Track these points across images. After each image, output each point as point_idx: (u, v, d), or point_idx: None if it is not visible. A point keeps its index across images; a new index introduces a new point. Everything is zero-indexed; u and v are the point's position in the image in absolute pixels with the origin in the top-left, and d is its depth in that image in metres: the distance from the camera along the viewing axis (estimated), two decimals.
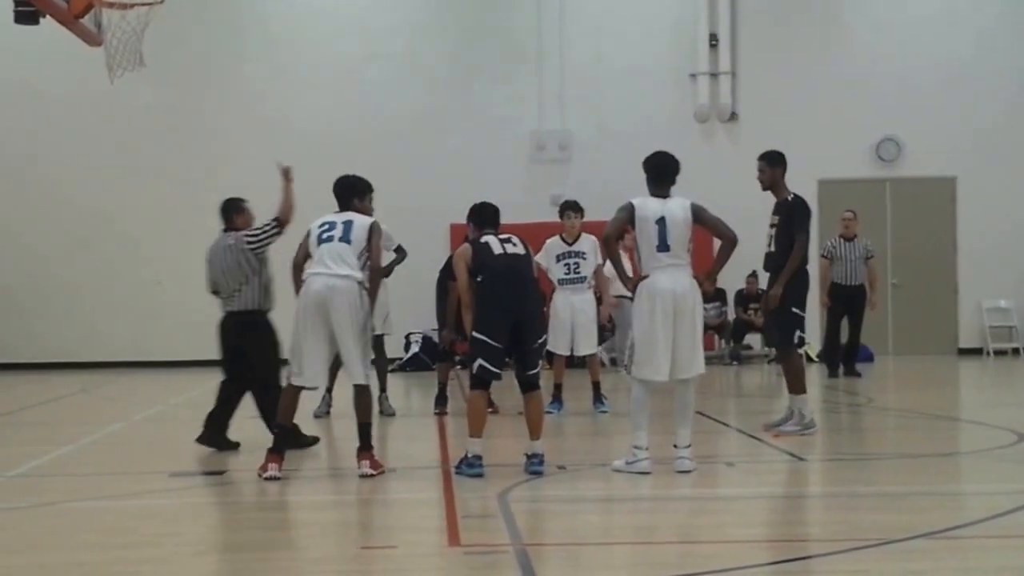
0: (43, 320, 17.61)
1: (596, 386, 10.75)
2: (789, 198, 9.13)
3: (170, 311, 17.54)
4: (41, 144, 17.70)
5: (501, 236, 7.59)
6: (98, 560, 5.39)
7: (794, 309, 9.05)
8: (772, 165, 9.18)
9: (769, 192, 9.27)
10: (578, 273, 10.54)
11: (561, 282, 10.61)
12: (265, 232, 8.48)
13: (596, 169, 17.28)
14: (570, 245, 10.55)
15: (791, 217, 9.03)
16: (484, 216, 7.83)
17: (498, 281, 7.35)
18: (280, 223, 8.48)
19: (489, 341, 7.26)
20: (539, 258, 10.13)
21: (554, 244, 10.62)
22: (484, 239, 7.57)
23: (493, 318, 7.29)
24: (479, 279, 7.42)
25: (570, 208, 10.57)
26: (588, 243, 10.45)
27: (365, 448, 7.43)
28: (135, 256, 17.65)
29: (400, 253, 10.56)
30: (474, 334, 7.34)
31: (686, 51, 18.02)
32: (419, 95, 17.82)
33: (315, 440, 8.63)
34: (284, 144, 17.59)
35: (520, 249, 7.53)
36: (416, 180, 17.31)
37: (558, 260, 10.58)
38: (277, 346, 8.52)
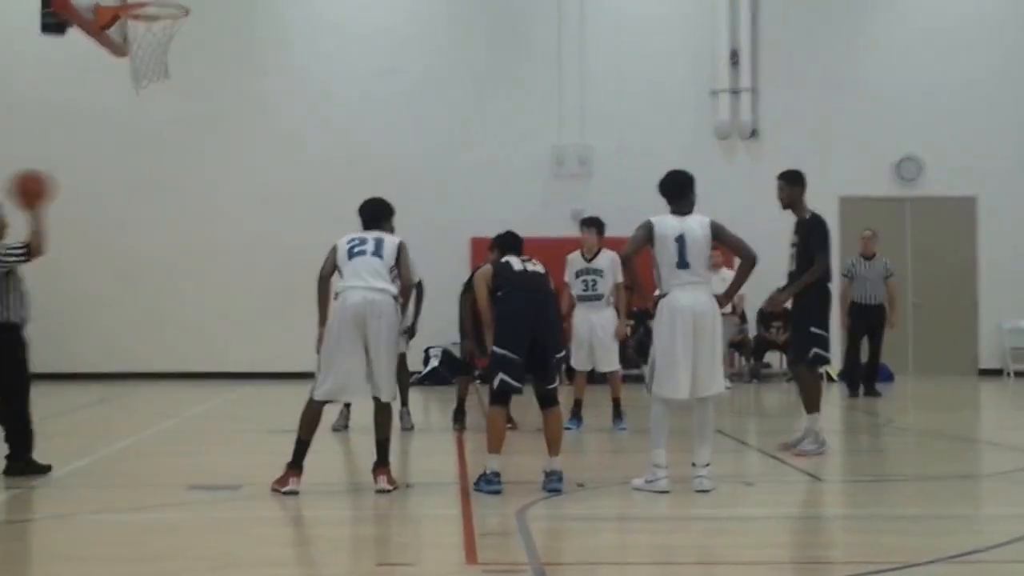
0: (62, 330, 17.66)
1: (616, 403, 10.73)
2: (808, 217, 9.09)
3: (188, 322, 17.59)
4: (61, 155, 17.78)
5: (523, 257, 7.72)
6: (111, 574, 5.38)
7: (812, 328, 9.00)
8: (791, 184, 9.15)
9: (790, 211, 9.24)
10: (595, 290, 10.55)
11: (579, 299, 10.62)
12: (10, 254, 7.94)
13: (616, 184, 17.25)
14: (588, 262, 10.55)
15: (810, 236, 9.00)
16: (508, 244, 8.00)
17: (517, 295, 7.39)
18: (30, 252, 7.92)
19: (509, 355, 7.26)
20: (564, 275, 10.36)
21: (574, 259, 10.65)
22: (505, 259, 7.69)
23: (512, 332, 7.30)
24: (499, 294, 7.45)
25: (586, 224, 10.59)
26: (606, 260, 10.44)
27: (382, 463, 7.42)
28: (153, 267, 17.70)
29: (418, 290, 10.44)
30: (494, 348, 7.34)
31: (707, 68, 18.00)
32: (439, 109, 17.84)
33: (48, 468, 8.10)
34: (302, 158, 17.77)
35: (540, 268, 7.63)
36: (436, 194, 17.34)
37: (577, 276, 10.63)
38: (26, 363, 8.12)
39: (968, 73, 17.87)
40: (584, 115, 17.93)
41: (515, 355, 7.26)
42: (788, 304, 9.37)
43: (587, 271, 10.53)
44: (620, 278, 10.25)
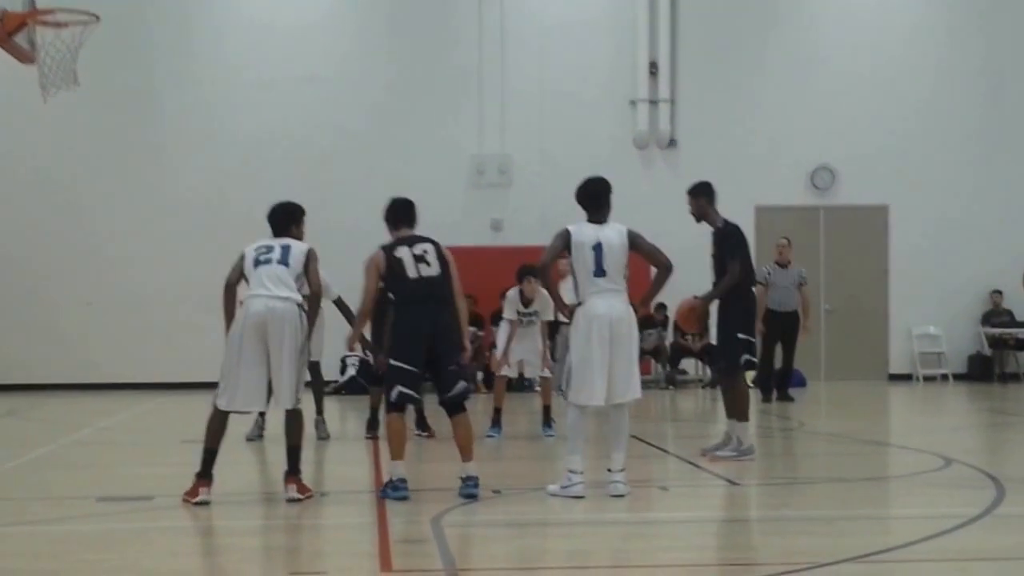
0: None
1: (547, 410, 10.84)
2: (720, 226, 9.21)
3: (98, 333, 17.26)
4: None
5: (416, 250, 7.41)
6: None
7: (739, 334, 9.11)
8: (695, 196, 9.25)
9: (705, 223, 9.34)
10: (532, 323, 10.82)
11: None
12: None
13: (536, 194, 17.36)
14: (527, 307, 10.75)
15: (723, 245, 9.13)
16: (397, 214, 7.69)
17: (411, 307, 7.32)
18: None
19: (405, 367, 7.25)
20: (504, 311, 10.65)
21: (514, 300, 10.79)
22: (398, 253, 7.41)
23: (407, 343, 7.28)
24: (391, 296, 7.36)
25: (530, 272, 10.65)
26: (542, 302, 10.63)
27: (293, 472, 7.35)
28: (60, 278, 17.34)
29: (342, 307, 10.38)
30: (390, 361, 7.31)
31: (626, 78, 18.19)
32: (357, 118, 17.78)
33: None
34: (224, 162, 17.57)
35: (435, 268, 7.38)
36: (354, 203, 17.18)
37: (516, 312, 10.83)
38: None
39: (881, 84, 18.30)
40: (504, 125, 17.99)
41: (412, 367, 7.24)
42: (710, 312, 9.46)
43: (525, 313, 10.78)
44: (548, 316, 10.65)
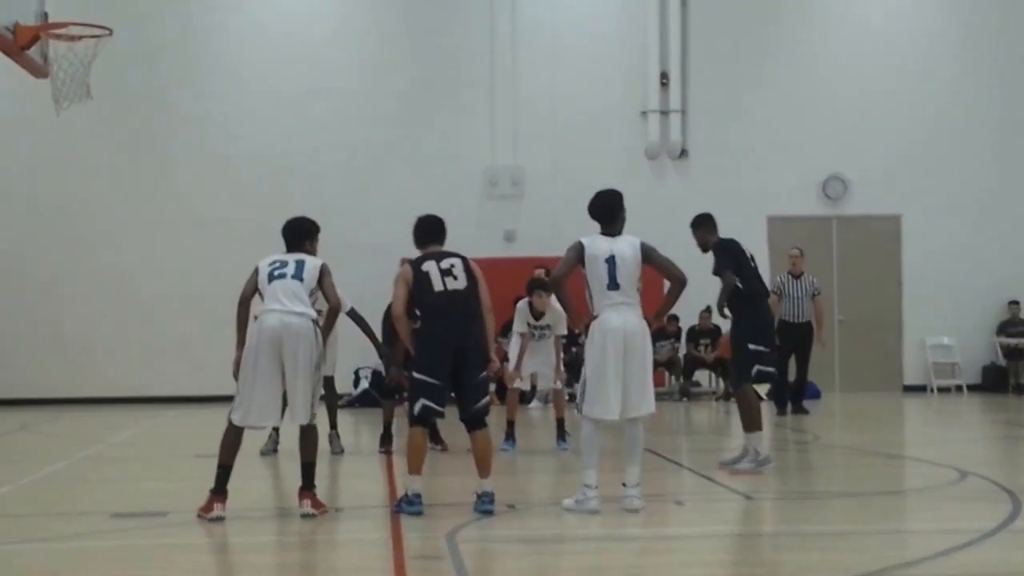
0: None
1: (560, 423, 10.83)
2: (714, 243, 9.31)
3: (112, 347, 17.30)
4: None
5: (443, 264, 7.39)
6: None
7: (751, 345, 9.12)
8: (696, 228, 9.45)
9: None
10: (544, 337, 10.89)
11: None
12: None
13: (548, 205, 17.37)
14: (537, 320, 10.79)
15: (715, 259, 9.23)
16: (425, 231, 7.65)
17: (437, 320, 7.28)
18: None
19: (429, 380, 7.22)
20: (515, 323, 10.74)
21: (524, 313, 10.84)
22: (425, 267, 7.38)
23: (432, 356, 7.24)
24: (417, 312, 7.37)
25: (539, 287, 10.66)
26: (554, 316, 10.69)
27: (307, 487, 7.34)
28: (73, 292, 17.37)
29: (356, 318, 10.39)
30: (414, 374, 7.28)
31: (637, 89, 18.20)
32: (371, 130, 17.83)
33: None
34: (236, 175, 17.62)
35: (462, 282, 7.36)
36: (368, 215, 17.30)
37: (527, 325, 10.90)
38: None
39: (892, 94, 18.28)
40: (517, 136, 18.02)
41: (436, 380, 7.21)
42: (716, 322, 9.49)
43: (536, 327, 10.84)
44: (562, 330, 10.76)
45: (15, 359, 17.28)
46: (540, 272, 14.56)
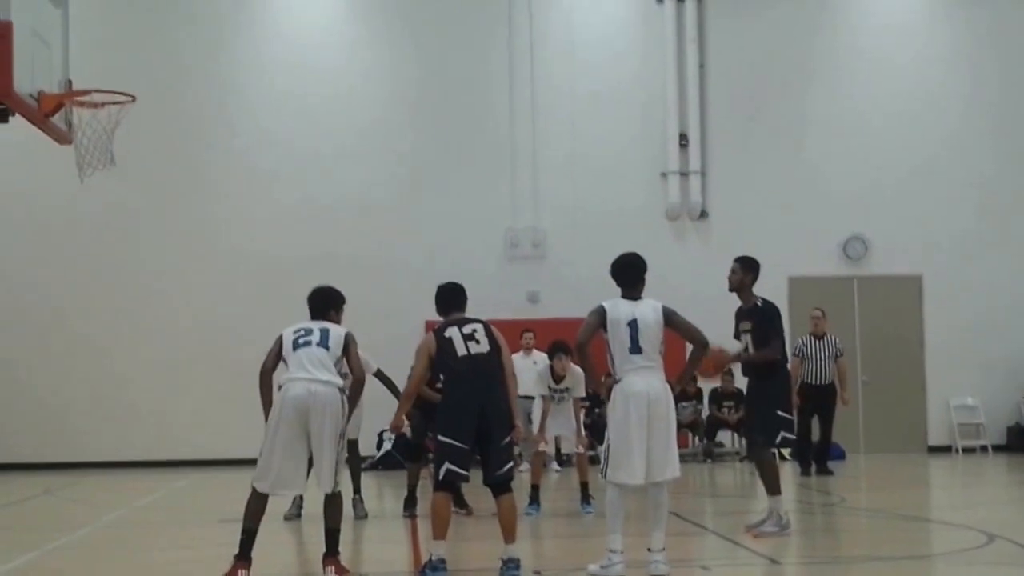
0: (3, 421, 17.31)
1: (584, 486, 10.80)
2: (759, 303, 9.25)
3: (134, 410, 17.35)
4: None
5: (465, 330, 7.45)
6: None
7: (779, 412, 9.13)
8: (745, 269, 9.32)
9: (735, 294, 9.38)
10: (564, 399, 10.93)
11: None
12: None
13: (569, 266, 17.44)
14: (557, 384, 10.87)
15: (763, 321, 9.16)
16: (447, 299, 7.77)
17: (462, 383, 7.31)
18: None
19: (455, 443, 7.22)
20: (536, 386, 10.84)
21: (545, 376, 10.90)
22: (448, 333, 7.45)
23: (457, 420, 7.26)
24: (441, 377, 7.41)
25: (560, 350, 10.75)
26: (573, 379, 10.76)
27: (332, 554, 7.32)
28: (96, 354, 17.44)
29: (383, 379, 10.48)
30: (439, 437, 7.30)
31: (657, 150, 18.32)
32: (391, 193, 17.95)
33: None
34: (247, 244, 17.70)
35: (484, 346, 7.41)
36: (390, 279, 17.37)
37: (548, 387, 10.94)
38: None
39: (912, 154, 18.33)
40: (537, 198, 18.13)
41: (462, 443, 7.22)
42: (739, 384, 9.48)
43: (556, 389, 10.91)
44: (580, 392, 10.84)
45: (36, 422, 17.29)
46: (529, 336, 14.74)
